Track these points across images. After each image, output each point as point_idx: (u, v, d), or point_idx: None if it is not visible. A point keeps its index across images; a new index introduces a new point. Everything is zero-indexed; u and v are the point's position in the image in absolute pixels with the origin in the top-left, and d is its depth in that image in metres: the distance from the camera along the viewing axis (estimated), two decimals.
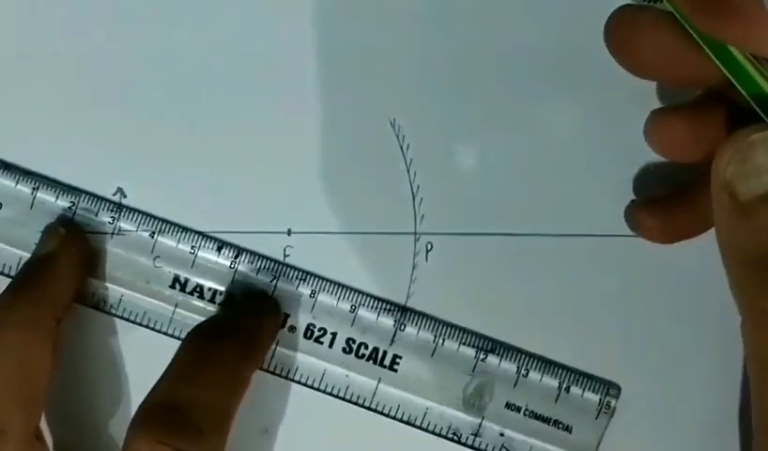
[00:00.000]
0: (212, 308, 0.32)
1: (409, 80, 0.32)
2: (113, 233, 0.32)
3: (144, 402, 0.28)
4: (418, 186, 0.32)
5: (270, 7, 0.32)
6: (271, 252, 0.32)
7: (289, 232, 0.32)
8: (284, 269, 0.32)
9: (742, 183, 0.21)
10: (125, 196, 0.32)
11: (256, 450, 0.32)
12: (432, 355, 0.32)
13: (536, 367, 0.32)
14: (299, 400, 0.33)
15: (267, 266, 0.32)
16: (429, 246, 0.32)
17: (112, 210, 0.32)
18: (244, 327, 0.31)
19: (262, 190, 0.32)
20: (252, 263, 0.32)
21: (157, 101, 0.32)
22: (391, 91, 0.32)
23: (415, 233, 0.32)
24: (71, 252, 0.31)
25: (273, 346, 0.32)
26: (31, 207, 0.32)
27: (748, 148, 0.21)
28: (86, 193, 0.32)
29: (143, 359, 0.32)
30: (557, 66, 0.32)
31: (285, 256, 0.32)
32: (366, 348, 0.32)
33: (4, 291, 0.30)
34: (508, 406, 0.32)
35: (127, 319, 0.32)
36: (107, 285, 0.32)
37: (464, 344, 0.32)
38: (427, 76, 0.32)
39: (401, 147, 0.32)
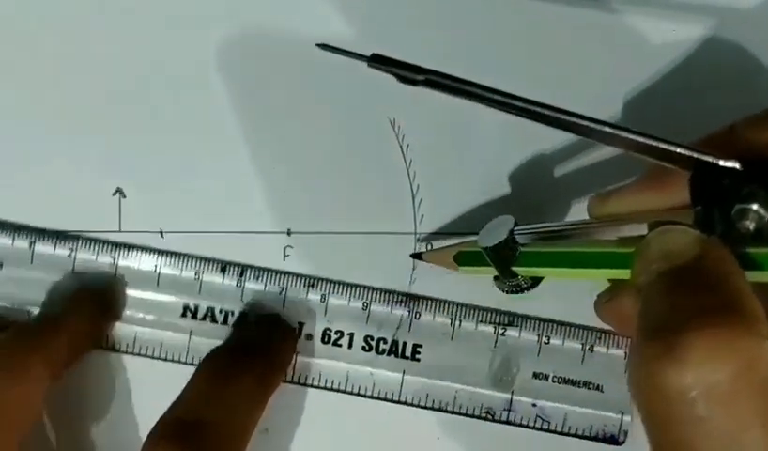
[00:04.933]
0: (227, 330, 0.32)
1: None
2: (116, 274, 0.32)
3: (162, 418, 0.28)
4: (418, 186, 0.32)
5: (270, 7, 0.32)
6: (271, 252, 0.32)
7: (289, 232, 0.32)
8: (291, 278, 0.32)
9: (641, 277, 0.23)
10: (124, 196, 0.32)
11: (256, 450, 0.32)
12: (452, 338, 0.32)
13: (556, 333, 0.32)
14: (299, 401, 0.32)
15: (273, 278, 0.32)
16: (429, 246, 0.32)
17: (111, 251, 0.32)
18: (261, 353, 0.30)
19: (262, 190, 0.32)
20: (258, 278, 0.32)
21: (157, 101, 0.32)
22: (391, 91, 0.32)
23: (415, 233, 0.32)
24: (76, 319, 0.31)
25: (294, 357, 0.32)
26: (31, 261, 0.32)
27: (644, 247, 0.23)
28: (83, 237, 0.32)
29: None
30: (558, 64, 0.32)
31: (285, 255, 0.32)
32: (386, 342, 0.32)
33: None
34: (536, 375, 0.32)
35: (144, 356, 0.32)
36: (119, 325, 0.32)
37: (481, 322, 0.32)
38: None
39: (401, 147, 0.32)
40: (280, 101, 0.32)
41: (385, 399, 0.32)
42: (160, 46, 0.32)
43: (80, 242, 0.32)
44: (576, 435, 0.32)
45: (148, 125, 0.32)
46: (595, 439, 0.32)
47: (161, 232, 0.32)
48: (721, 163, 0.23)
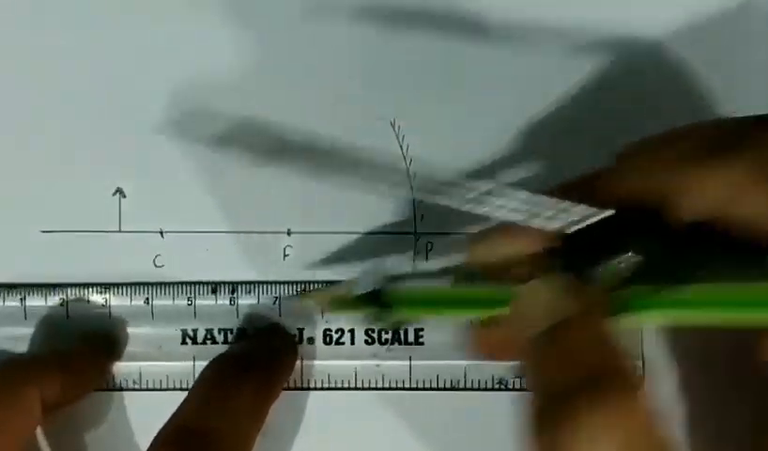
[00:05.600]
0: None
1: (409, 80, 0.32)
2: (110, 314, 0.32)
3: (164, 426, 0.28)
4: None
5: (272, 6, 0.32)
6: (271, 252, 0.32)
7: (289, 232, 0.32)
8: (284, 287, 0.32)
9: (520, 332, 0.24)
10: (124, 196, 0.32)
11: None
12: None
13: None
14: (297, 402, 0.32)
15: (265, 290, 0.32)
16: (429, 246, 0.32)
17: (101, 292, 0.32)
18: (262, 361, 0.30)
19: (262, 190, 0.32)
20: (250, 293, 0.32)
21: (156, 100, 0.32)
22: (391, 91, 0.32)
23: (415, 233, 0.32)
24: (75, 357, 0.31)
25: (299, 362, 0.32)
26: (25, 318, 0.32)
27: (521, 301, 0.24)
28: (71, 285, 0.32)
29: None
30: (559, 65, 0.32)
31: (285, 255, 0.32)
32: (387, 332, 0.32)
33: None
34: None
35: (152, 390, 0.32)
36: (123, 363, 0.32)
37: None
38: (427, 76, 0.32)
39: (401, 148, 0.32)
40: (280, 101, 0.32)
41: (396, 388, 0.32)
42: (159, 45, 0.32)
43: (69, 290, 0.32)
44: None
45: (148, 125, 0.32)
46: None
47: (161, 232, 0.32)
48: (592, 217, 0.23)
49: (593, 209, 0.23)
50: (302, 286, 0.32)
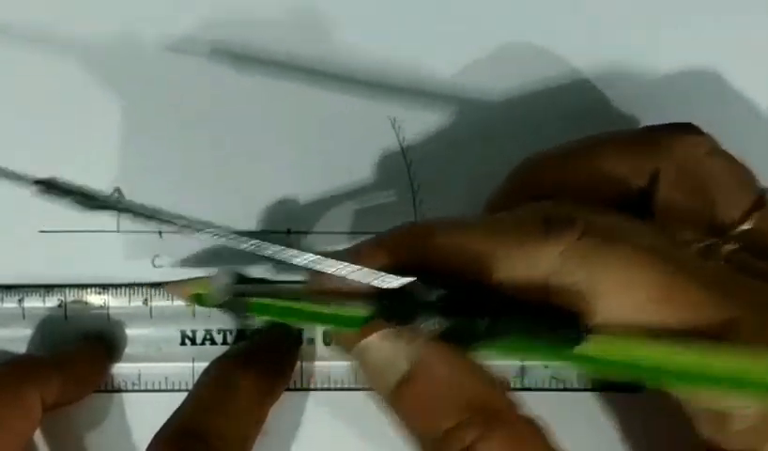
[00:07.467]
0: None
1: (409, 80, 0.32)
2: (108, 315, 0.32)
3: (163, 426, 0.27)
4: (418, 186, 0.32)
5: (274, 6, 0.32)
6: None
7: (289, 232, 0.32)
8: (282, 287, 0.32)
9: (375, 387, 0.24)
10: (123, 196, 0.32)
11: None
12: None
13: None
14: (297, 403, 0.32)
15: (263, 290, 0.32)
16: None
17: (100, 292, 0.32)
18: (263, 362, 0.30)
19: (262, 190, 0.32)
20: None
21: (155, 99, 0.32)
22: (391, 91, 0.32)
23: None
24: (75, 358, 0.31)
25: (299, 363, 0.32)
26: (23, 317, 0.32)
27: (363, 360, 0.24)
28: (69, 286, 0.32)
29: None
30: (557, 65, 0.32)
31: None
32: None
33: None
34: None
35: (150, 391, 0.32)
36: (121, 365, 0.32)
37: None
38: (427, 76, 0.32)
39: (401, 147, 0.32)
40: (280, 101, 0.32)
41: None
42: (159, 44, 0.32)
43: (68, 291, 0.32)
44: (593, 389, 0.32)
45: (147, 124, 0.32)
46: (614, 389, 0.32)
47: (160, 232, 0.32)
48: (393, 284, 0.23)
49: (397, 277, 0.23)
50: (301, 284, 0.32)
